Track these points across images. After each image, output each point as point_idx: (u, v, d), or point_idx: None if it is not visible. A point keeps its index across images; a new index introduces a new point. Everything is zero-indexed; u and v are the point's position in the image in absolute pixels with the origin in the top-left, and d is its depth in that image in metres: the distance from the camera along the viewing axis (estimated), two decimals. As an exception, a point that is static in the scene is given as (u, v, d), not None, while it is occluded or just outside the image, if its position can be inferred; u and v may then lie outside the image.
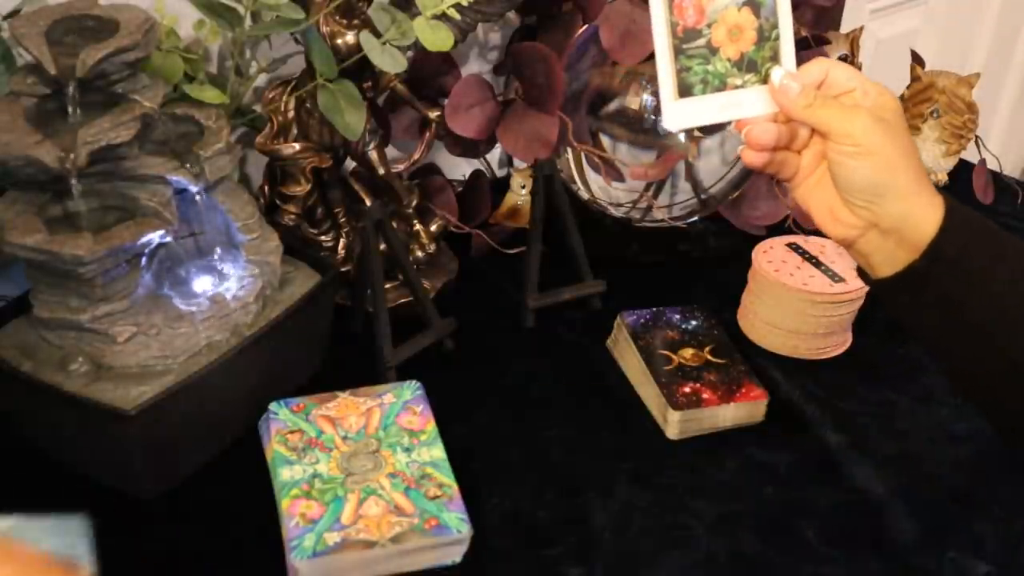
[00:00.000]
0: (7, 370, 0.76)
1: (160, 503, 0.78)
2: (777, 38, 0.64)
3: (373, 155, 0.96)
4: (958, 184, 1.25)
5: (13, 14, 0.78)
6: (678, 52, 0.63)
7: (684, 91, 0.63)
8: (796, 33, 1.07)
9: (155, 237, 0.75)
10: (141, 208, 0.76)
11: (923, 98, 1.23)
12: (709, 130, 1.05)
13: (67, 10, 0.73)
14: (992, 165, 1.25)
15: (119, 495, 0.78)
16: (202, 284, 0.81)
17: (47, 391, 0.74)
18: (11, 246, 0.71)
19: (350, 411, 0.82)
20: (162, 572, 0.74)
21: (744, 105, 0.64)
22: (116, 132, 0.72)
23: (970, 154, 1.25)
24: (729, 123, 0.67)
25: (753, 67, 0.64)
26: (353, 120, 0.86)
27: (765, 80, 0.64)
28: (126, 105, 0.74)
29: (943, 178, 1.26)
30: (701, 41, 0.63)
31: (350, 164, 1.00)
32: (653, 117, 1.04)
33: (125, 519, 0.77)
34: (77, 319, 0.74)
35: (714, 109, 0.64)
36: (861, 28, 1.25)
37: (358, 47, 0.83)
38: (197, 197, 0.79)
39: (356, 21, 0.88)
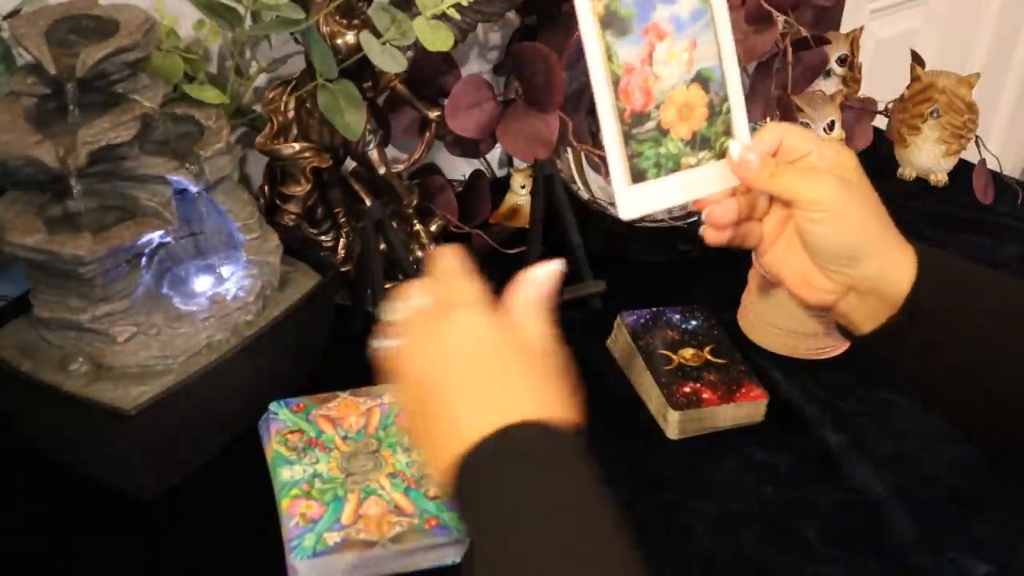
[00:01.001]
0: (7, 370, 0.76)
1: (160, 503, 0.78)
2: (728, 111, 0.62)
3: (373, 155, 0.96)
4: (958, 184, 1.26)
5: (13, 14, 0.78)
6: (628, 138, 0.60)
7: (637, 176, 0.60)
8: (795, 34, 1.07)
9: (155, 237, 0.75)
10: (141, 208, 0.76)
11: (923, 98, 1.23)
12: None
13: (67, 10, 0.73)
14: (992, 165, 1.25)
15: (119, 495, 0.78)
16: (202, 284, 0.82)
17: (47, 391, 0.74)
18: (11, 246, 0.71)
19: (350, 411, 0.82)
20: (162, 572, 0.74)
21: (702, 183, 0.62)
22: (116, 132, 0.72)
23: (970, 154, 1.25)
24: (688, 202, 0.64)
25: (706, 144, 0.62)
26: (353, 120, 0.86)
27: (720, 156, 0.62)
28: (126, 105, 0.74)
29: (943, 178, 1.26)
30: (651, 124, 0.60)
31: (350, 164, 1.00)
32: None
33: (125, 519, 0.77)
34: (77, 319, 0.74)
35: (671, 191, 0.62)
36: (861, 28, 1.26)
37: (358, 47, 0.83)
38: (197, 197, 0.79)
39: (356, 21, 0.88)
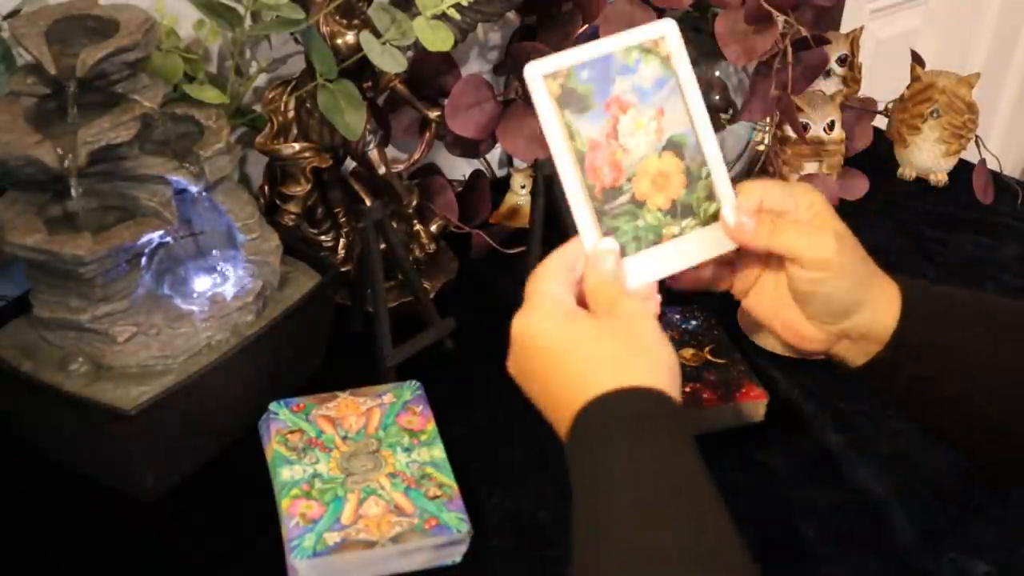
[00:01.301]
0: (7, 370, 0.76)
1: (160, 503, 0.78)
2: (709, 175, 0.59)
3: (373, 155, 0.96)
4: (958, 184, 1.25)
5: (13, 14, 0.78)
6: (601, 215, 0.57)
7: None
8: (795, 34, 1.07)
9: (155, 237, 0.75)
10: (141, 208, 0.76)
11: (923, 98, 1.23)
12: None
13: (67, 10, 0.73)
14: (992, 165, 1.25)
15: (119, 495, 0.78)
16: (202, 284, 0.82)
17: (47, 391, 0.74)
18: (11, 246, 0.71)
19: (350, 411, 0.82)
20: (162, 572, 0.74)
21: (692, 251, 0.60)
22: (116, 132, 0.72)
23: (970, 154, 1.25)
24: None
25: (689, 211, 0.59)
26: (353, 120, 0.86)
27: (706, 222, 0.60)
28: (126, 105, 0.74)
29: (943, 178, 1.26)
30: (623, 198, 0.57)
31: (350, 164, 1.00)
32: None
33: (125, 519, 0.77)
34: (77, 319, 0.74)
35: (659, 263, 0.59)
36: (861, 28, 1.26)
37: (358, 47, 0.83)
38: (197, 197, 0.79)
39: (356, 21, 0.88)
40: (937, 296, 0.63)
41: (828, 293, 0.60)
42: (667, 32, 0.58)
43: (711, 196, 0.59)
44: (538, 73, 0.56)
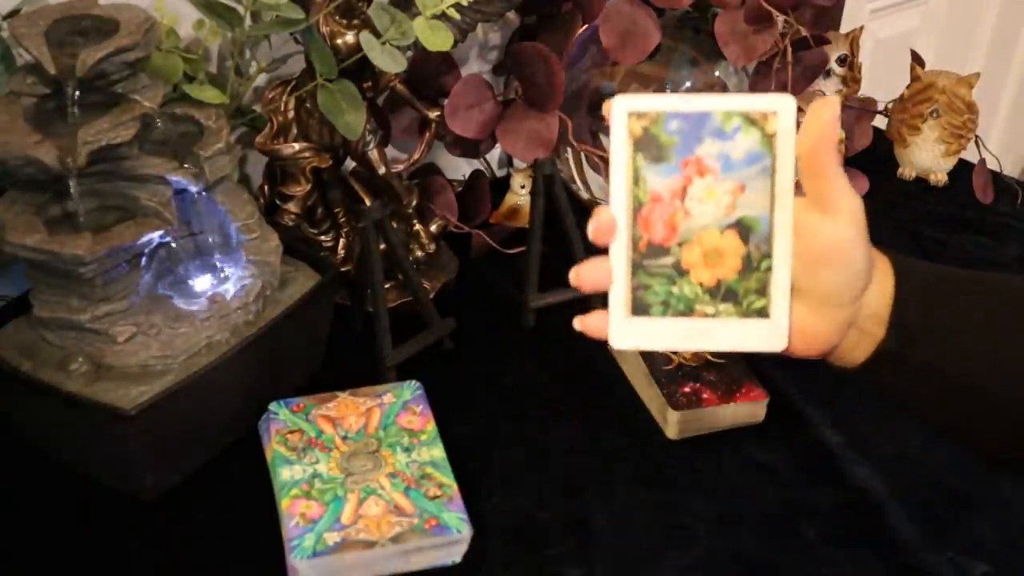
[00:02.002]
0: (7, 370, 0.76)
1: (160, 503, 0.78)
2: (769, 270, 0.54)
3: (373, 155, 0.96)
4: (958, 184, 1.26)
5: (13, 14, 0.78)
6: (637, 267, 0.54)
7: (639, 309, 0.55)
8: (795, 33, 1.07)
9: (155, 237, 0.75)
10: (141, 208, 0.76)
11: (923, 98, 1.23)
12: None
13: (67, 10, 0.73)
14: (992, 165, 1.25)
15: (119, 495, 0.78)
16: (202, 284, 0.82)
17: (47, 391, 0.74)
18: (11, 246, 0.71)
19: (350, 411, 0.82)
20: (162, 572, 0.74)
21: (713, 336, 0.55)
22: (116, 132, 0.72)
23: (970, 154, 1.25)
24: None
25: (732, 297, 0.55)
26: (353, 120, 0.86)
27: (747, 314, 0.55)
28: (126, 105, 0.74)
29: (943, 178, 1.26)
30: (667, 260, 0.54)
31: (350, 164, 1.00)
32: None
33: (125, 519, 0.77)
34: (77, 319, 0.74)
35: (674, 334, 0.55)
36: (861, 28, 1.26)
37: (358, 47, 0.83)
38: (197, 197, 0.79)
39: (356, 21, 0.88)
40: (930, 269, 0.60)
41: (855, 257, 0.54)
42: (782, 109, 0.53)
43: (762, 291, 0.55)
44: (624, 109, 0.53)
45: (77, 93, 0.72)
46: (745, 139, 0.53)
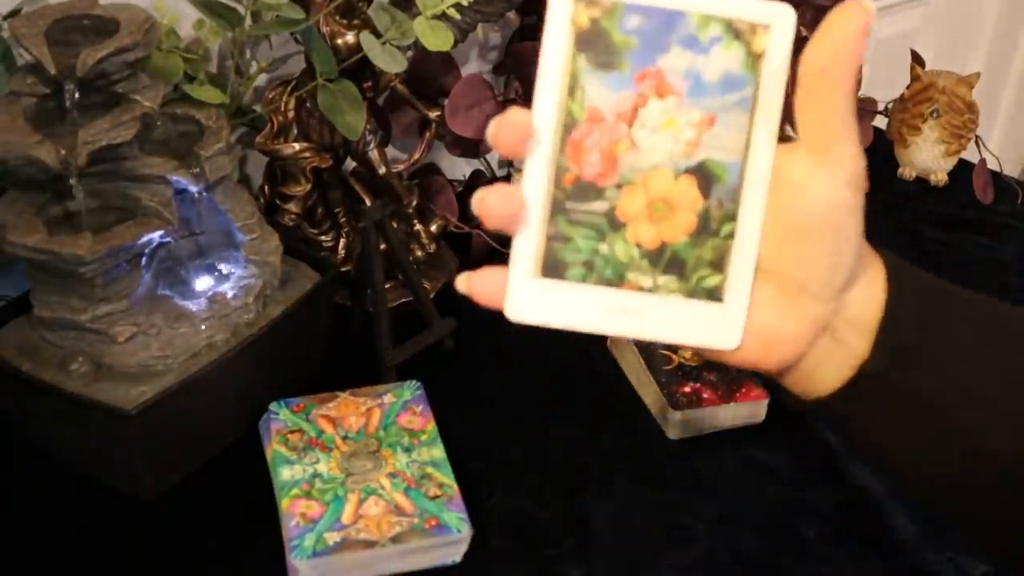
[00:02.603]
0: (7, 370, 0.76)
1: (160, 503, 0.78)
2: (730, 236, 0.41)
3: (373, 155, 0.96)
4: (958, 184, 1.25)
5: (13, 14, 0.78)
6: (557, 210, 0.41)
7: (551, 269, 0.41)
8: (795, 34, 1.07)
9: (155, 237, 0.75)
10: (141, 208, 0.76)
11: (923, 98, 1.23)
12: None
13: (67, 10, 0.73)
14: (992, 165, 1.25)
15: (119, 495, 0.78)
16: (202, 284, 0.82)
17: (47, 391, 0.74)
18: (11, 246, 0.71)
19: (350, 411, 0.82)
20: (162, 572, 0.74)
21: (644, 318, 0.42)
22: (116, 132, 0.72)
23: (970, 154, 1.25)
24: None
25: (678, 268, 0.41)
26: (353, 120, 0.86)
27: (692, 294, 0.42)
28: (126, 105, 0.74)
29: (943, 178, 1.26)
30: (599, 205, 0.41)
31: (350, 164, 1.00)
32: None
33: (125, 519, 0.77)
34: (77, 319, 0.74)
35: (592, 310, 0.42)
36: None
37: (358, 47, 0.83)
38: (197, 197, 0.79)
39: (356, 21, 0.88)
40: (932, 280, 0.45)
41: (848, 230, 0.41)
42: (778, 23, 0.41)
43: (718, 265, 0.42)
44: None
45: (77, 93, 0.72)
46: (725, 55, 0.40)
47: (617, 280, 0.42)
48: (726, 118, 0.41)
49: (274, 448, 0.78)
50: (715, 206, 0.41)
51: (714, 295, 0.42)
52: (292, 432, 0.80)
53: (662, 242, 0.41)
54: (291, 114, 0.92)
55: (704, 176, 0.41)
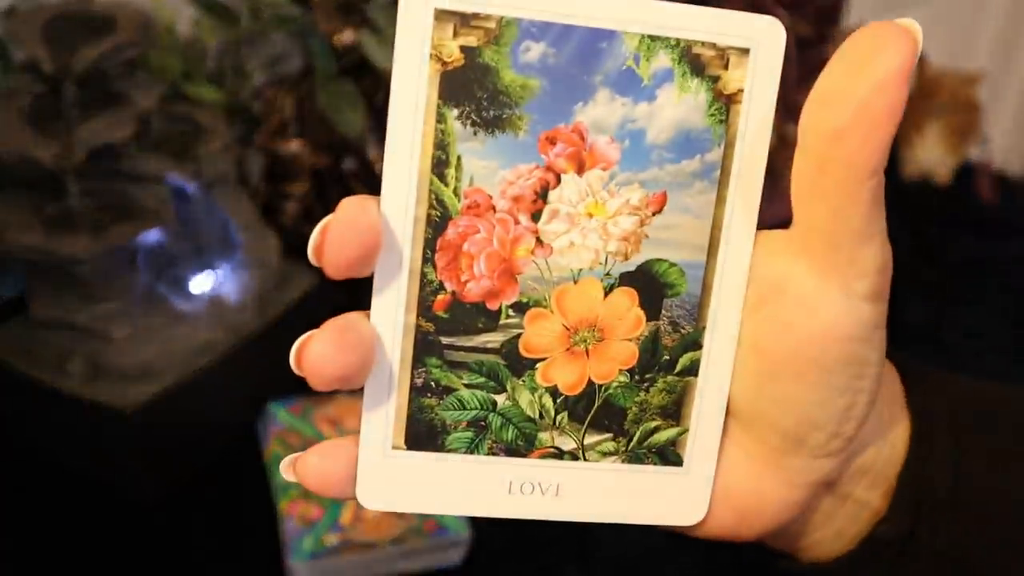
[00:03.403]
0: (5, 370, 0.75)
1: (158, 504, 0.78)
2: (690, 372, 0.30)
3: (373, 154, 0.96)
4: (962, 183, 1.25)
5: (9, 11, 0.78)
6: (424, 349, 0.29)
7: (420, 437, 0.29)
8: (796, 34, 1.07)
9: (153, 236, 0.74)
10: (139, 207, 0.75)
11: (927, 96, 1.22)
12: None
13: (64, 7, 0.73)
14: (997, 164, 1.25)
15: (116, 496, 0.78)
16: (201, 284, 0.81)
17: (46, 391, 0.74)
18: (8, 245, 0.71)
19: (349, 412, 0.81)
20: (162, 573, 0.74)
21: (567, 497, 0.30)
22: (113, 131, 0.71)
23: (974, 153, 1.25)
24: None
25: (614, 421, 0.30)
26: (352, 119, 0.85)
27: (637, 457, 0.30)
28: (124, 103, 0.73)
29: (947, 177, 1.26)
30: (491, 338, 0.28)
31: (350, 163, 1.00)
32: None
33: (125, 519, 0.77)
34: (75, 319, 0.74)
35: (485, 490, 0.30)
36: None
37: (358, 45, 0.83)
38: (195, 196, 0.79)
39: (356, 19, 0.87)
40: (969, 395, 0.34)
41: (865, 365, 0.28)
42: (759, 43, 0.27)
43: (672, 414, 0.30)
44: (429, 6, 0.26)
45: (74, 91, 0.71)
46: (679, 100, 0.27)
47: (524, 445, 0.29)
48: (682, 197, 0.28)
49: (273, 449, 0.78)
50: (667, 329, 0.29)
51: (667, 456, 0.30)
52: (291, 433, 0.79)
53: (589, 384, 0.29)
54: (290, 112, 0.92)
55: (650, 286, 0.29)
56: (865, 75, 0.25)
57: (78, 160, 0.70)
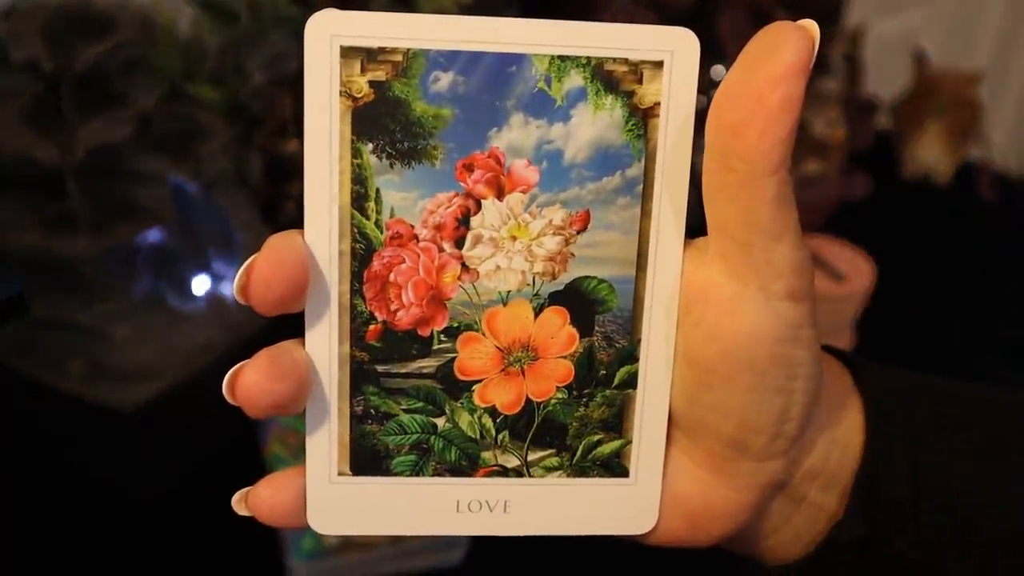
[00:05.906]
0: (5, 370, 0.75)
1: (160, 502, 0.78)
2: (629, 385, 0.30)
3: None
4: (962, 183, 1.25)
5: (9, 10, 0.78)
6: (361, 378, 0.29)
7: (364, 462, 0.30)
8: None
9: (153, 236, 0.74)
10: (139, 207, 0.75)
11: (927, 96, 1.22)
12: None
13: (64, 6, 0.73)
14: (996, 164, 1.25)
15: (119, 495, 0.78)
16: (201, 283, 0.81)
17: (46, 391, 0.74)
18: (8, 245, 0.71)
19: (349, 411, 0.82)
20: (161, 572, 0.74)
21: (515, 513, 0.31)
22: (113, 130, 0.71)
23: (974, 152, 1.25)
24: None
25: (555, 437, 0.30)
26: (353, 118, 0.85)
27: (579, 471, 0.31)
28: (124, 103, 0.73)
29: (947, 176, 1.26)
30: (426, 363, 0.29)
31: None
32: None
33: (125, 519, 0.77)
34: (75, 319, 0.74)
35: (432, 511, 0.31)
36: (864, 25, 1.25)
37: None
38: (195, 195, 0.79)
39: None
40: (926, 392, 0.33)
41: (798, 361, 0.28)
42: (673, 55, 0.27)
43: (613, 426, 0.30)
44: (329, 35, 0.26)
45: (74, 90, 0.71)
46: (594, 118, 0.27)
47: (467, 465, 0.30)
48: (606, 214, 0.28)
49: (273, 449, 0.78)
50: (602, 345, 0.29)
51: (613, 467, 0.31)
52: (290, 433, 0.79)
53: (527, 403, 0.30)
54: (290, 112, 0.92)
55: (580, 303, 0.29)
56: (761, 71, 0.25)
57: (78, 160, 0.70)
